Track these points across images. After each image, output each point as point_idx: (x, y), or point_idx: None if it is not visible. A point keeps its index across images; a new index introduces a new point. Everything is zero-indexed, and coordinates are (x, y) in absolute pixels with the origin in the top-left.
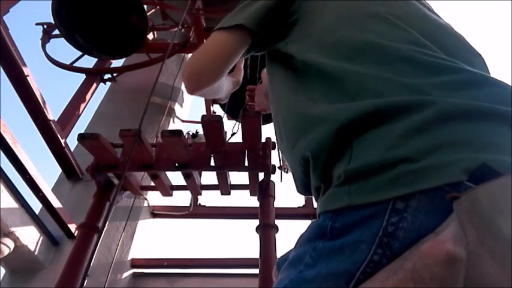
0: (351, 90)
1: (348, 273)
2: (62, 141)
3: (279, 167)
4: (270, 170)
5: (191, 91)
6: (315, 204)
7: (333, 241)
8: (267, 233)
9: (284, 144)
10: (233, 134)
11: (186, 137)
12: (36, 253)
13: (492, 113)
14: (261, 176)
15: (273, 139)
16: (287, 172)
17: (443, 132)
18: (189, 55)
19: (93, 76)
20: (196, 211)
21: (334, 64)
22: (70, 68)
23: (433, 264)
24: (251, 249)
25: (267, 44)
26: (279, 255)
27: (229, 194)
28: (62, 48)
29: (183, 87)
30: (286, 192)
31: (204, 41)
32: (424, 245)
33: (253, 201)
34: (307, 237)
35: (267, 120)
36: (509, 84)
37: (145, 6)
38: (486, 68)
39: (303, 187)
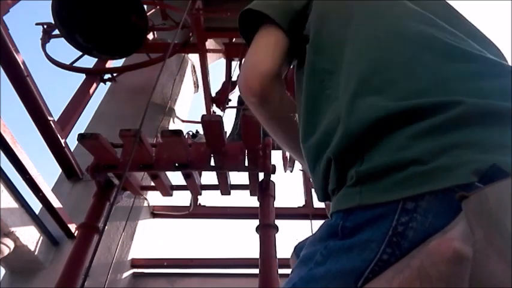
0: (367, 90)
1: (357, 272)
2: (62, 141)
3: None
4: (270, 170)
5: (255, 92)
6: (315, 205)
7: (344, 240)
8: (267, 233)
9: (303, 144)
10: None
11: (186, 137)
12: (36, 253)
13: (502, 113)
14: (261, 176)
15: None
16: (292, 171)
17: (453, 134)
18: (189, 55)
19: (93, 76)
20: (196, 211)
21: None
22: (70, 68)
23: (440, 262)
24: (251, 249)
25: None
26: (279, 255)
27: (229, 194)
28: (62, 48)
29: (182, 87)
30: (286, 192)
31: (205, 41)
32: (432, 243)
33: (253, 201)
34: (319, 237)
35: None
36: None
37: (145, 6)
38: (502, 56)
39: (321, 191)
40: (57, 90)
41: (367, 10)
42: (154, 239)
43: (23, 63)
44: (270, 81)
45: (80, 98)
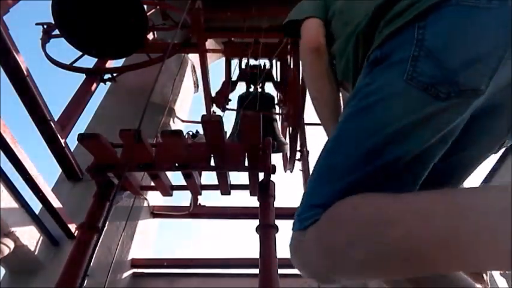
0: None
1: (402, 72)
2: (62, 141)
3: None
4: (270, 170)
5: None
6: None
7: (385, 62)
8: (267, 233)
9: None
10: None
11: (186, 137)
12: (36, 253)
13: None
14: (261, 176)
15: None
16: (292, 171)
17: None
18: (189, 55)
19: (93, 76)
20: (196, 211)
21: None
22: (70, 68)
23: None
24: (251, 249)
25: None
26: (279, 255)
27: (229, 194)
28: (62, 48)
29: (182, 87)
30: (286, 192)
31: (204, 41)
32: None
33: (253, 201)
34: (362, 75)
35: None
36: None
37: (145, 6)
38: None
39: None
40: (57, 90)
41: None
42: (154, 239)
43: (23, 63)
44: (322, 40)
45: (80, 98)
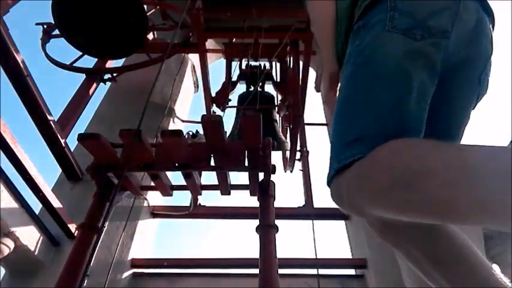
0: None
1: (383, 26)
2: (62, 141)
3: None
4: (270, 170)
5: None
6: (316, 204)
7: (367, 25)
8: (267, 233)
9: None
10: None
11: (186, 137)
12: (36, 253)
13: None
14: (261, 176)
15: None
16: (292, 171)
17: None
18: (189, 55)
19: (93, 76)
20: (196, 211)
21: None
22: (70, 68)
23: None
24: (251, 249)
25: None
26: (279, 255)
27: (229, 194)
28: (62, 48)
29: (182, 87)
30: (286, 192)
31: (204, 41)
32: None
33: (253, 201)
34: (350, 44)
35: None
36: (510, 85)
37: (145, 6)
38: None
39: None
40: (57, 90)
41: None
42: (154, 239)
43: (23, 63)
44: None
45: (80, 98)
